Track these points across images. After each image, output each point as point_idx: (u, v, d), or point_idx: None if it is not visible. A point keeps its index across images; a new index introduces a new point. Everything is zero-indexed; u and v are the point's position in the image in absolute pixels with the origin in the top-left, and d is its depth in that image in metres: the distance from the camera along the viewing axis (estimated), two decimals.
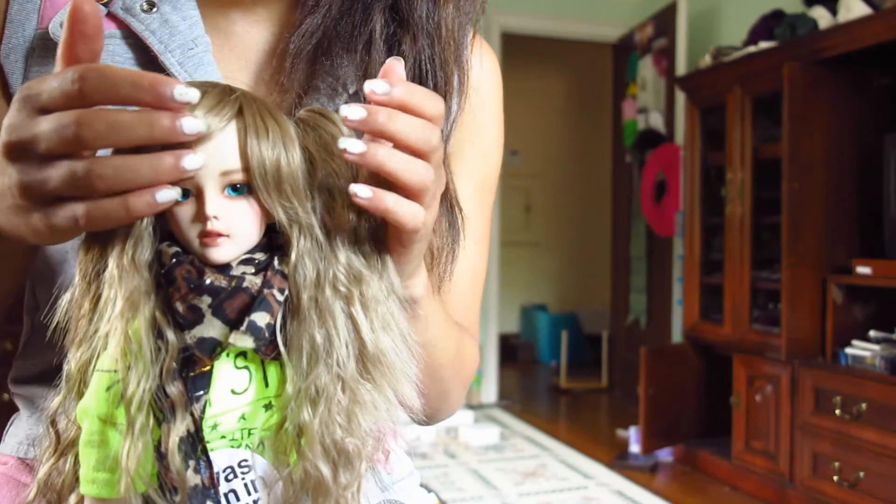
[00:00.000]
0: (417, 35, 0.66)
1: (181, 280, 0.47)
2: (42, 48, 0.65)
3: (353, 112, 0.46)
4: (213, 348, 0.47)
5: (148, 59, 0.65)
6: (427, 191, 0.49)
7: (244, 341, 0.47)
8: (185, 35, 0.65)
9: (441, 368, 0.71)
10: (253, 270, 0.49)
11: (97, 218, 0.45)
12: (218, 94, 0.48)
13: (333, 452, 0.49)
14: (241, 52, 0.69)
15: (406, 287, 0.59)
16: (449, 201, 0.70)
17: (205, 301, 0.47)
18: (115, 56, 0.65)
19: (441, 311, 0.70)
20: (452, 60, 0.68)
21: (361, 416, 0.50)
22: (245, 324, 0.47)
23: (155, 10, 0.65)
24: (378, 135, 0.47)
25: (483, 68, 0.77)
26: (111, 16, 0.65)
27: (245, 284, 0.48)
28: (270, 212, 0.50)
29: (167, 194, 0.45)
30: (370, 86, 0.46)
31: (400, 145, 0.47)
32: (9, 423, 0.72)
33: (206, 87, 0.49)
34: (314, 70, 0.65)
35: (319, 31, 0.65)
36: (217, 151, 0.47)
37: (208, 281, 0.47)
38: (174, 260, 0.48)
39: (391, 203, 0.47)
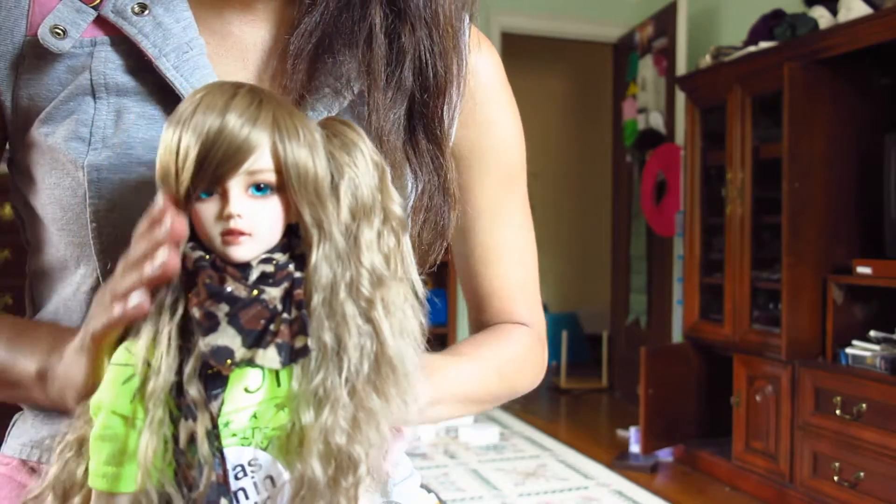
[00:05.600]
0: (416, 25, 0.65)
1: (202, 286, 0.47)
2: (33, 56, 0.63)
3: None
4: (226, 358, 0.47)
5: (141, 65, 0.62)
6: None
7: (271, 361, 0.48)
8: (179, 38, 0.62)
9: (492, 405, 0.76)
10: (272, 269, 0.49)
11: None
12: (248, 95, 0.49)
13: (335, 456, 0.49)
14: (238, 53, 0.67)
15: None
16: (442, 187, 0.69)
17: (222, 309, 0.47)
18: (108, 63, 0.62)
19: (474, 382, 0.71)
20: (451, 48, 0.67)
21: (366, 424, 0.50)
22: (273, 345, 0.48)
23: (147, 12, 0.63)
24: None
25: (486, 63, 0.76)
26: (100, 20, 0.63)
27: (263, 297, 0.48)
28: (299, 211, 0.50)
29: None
30: None
31: None
32: (11, 424, 0.72)
33: (235, 89, 0.49)
34: (316, 69, 0.64)
35: (319, 29, 0.63)
36: None
37: (229, 289, 0.47)
38: (197, 265, 0.48)
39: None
